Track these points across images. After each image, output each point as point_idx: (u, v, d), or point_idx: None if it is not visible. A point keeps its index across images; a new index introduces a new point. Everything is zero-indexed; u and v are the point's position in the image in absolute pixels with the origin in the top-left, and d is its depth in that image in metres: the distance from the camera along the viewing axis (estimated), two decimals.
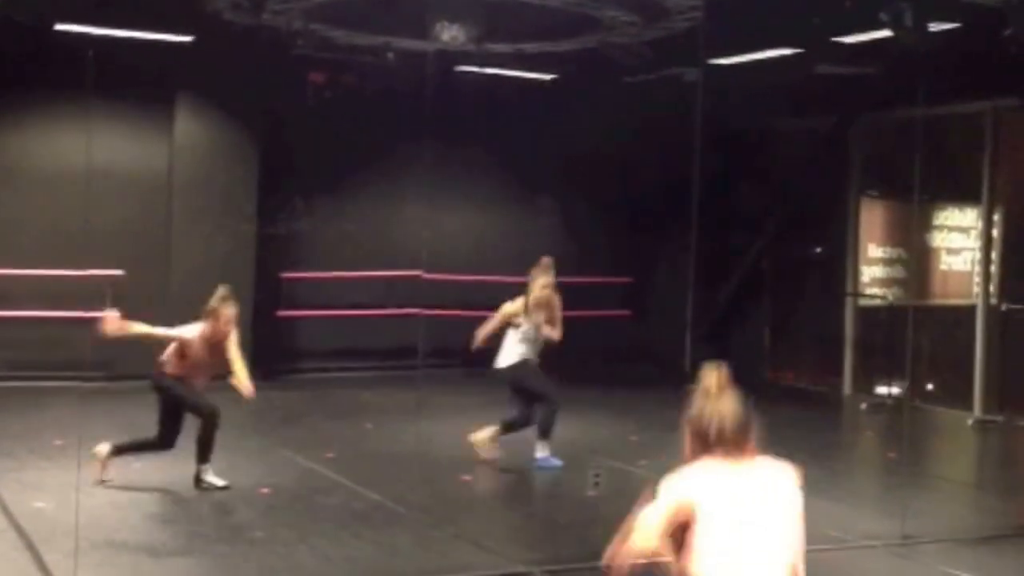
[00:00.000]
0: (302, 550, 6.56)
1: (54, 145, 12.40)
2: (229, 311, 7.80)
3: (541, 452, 8.89)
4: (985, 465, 10.97)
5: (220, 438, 7.96)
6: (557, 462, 8.87)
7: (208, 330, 7.78)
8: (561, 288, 9.22)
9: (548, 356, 9.15)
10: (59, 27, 10.97)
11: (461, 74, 12.47)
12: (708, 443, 3.46)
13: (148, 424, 7.83)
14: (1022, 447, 11.33)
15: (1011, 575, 6.43)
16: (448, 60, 11.64)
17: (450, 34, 10.01)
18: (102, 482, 7.81)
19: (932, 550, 6.99)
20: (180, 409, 7.91)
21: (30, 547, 6.39)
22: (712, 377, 3.54)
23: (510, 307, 8.98)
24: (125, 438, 8.09)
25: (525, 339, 8.94)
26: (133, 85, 12.11)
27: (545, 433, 8.88)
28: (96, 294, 12.25)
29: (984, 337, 12.20)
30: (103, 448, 7.93)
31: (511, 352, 8.96)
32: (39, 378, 11.75)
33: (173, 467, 8.02)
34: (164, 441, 7.95)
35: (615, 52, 11.03)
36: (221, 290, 7.87)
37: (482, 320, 9.13)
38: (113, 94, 11.73)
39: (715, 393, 3.50)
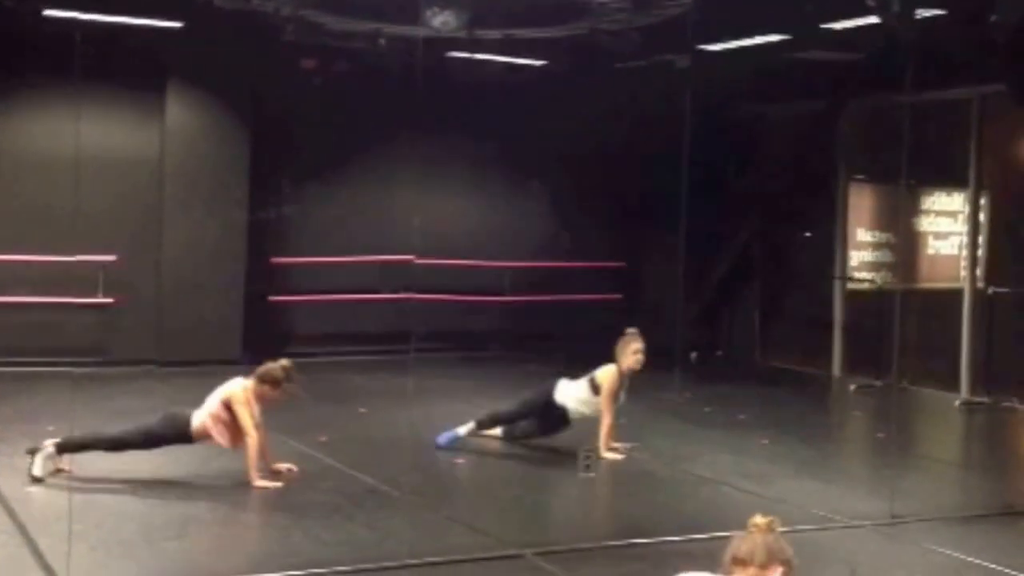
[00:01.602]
0: (296, 533, 6.59)
1: (44, 131, 12.38)
2: (286, 389, 7.64)
3: (462, 429, 8.85)
4: (971, 446, 11.08)
5: None
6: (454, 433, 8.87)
7: (259, 392, 7.58)
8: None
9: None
10: (48, 12, 10.94)
11: (452, 60, 12.48)
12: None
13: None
14: (1007, 428, 11.42)
15: (997, 554, 6.50)
16: (439, 46, 11.64)
17: (441, 20, 10.01)
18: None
19: (919, 529, 7.06)
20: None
21: (23, 532, 6.41)
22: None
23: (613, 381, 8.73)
24: (116, 424, 8.08)
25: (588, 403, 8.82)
26: (123, 71, 12.11)
27: (482, 425, 8.92)
28: (88, 279, 12.33)
29: (971, 320, 12.30)
30: None
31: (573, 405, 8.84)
32: (31, 363, 11.76)
33: (166, 452, 8.04)
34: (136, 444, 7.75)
35: (605, 38, 11.05)
36: (286, 361, 7.65)
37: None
38: (103, 80, 11.73)
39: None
